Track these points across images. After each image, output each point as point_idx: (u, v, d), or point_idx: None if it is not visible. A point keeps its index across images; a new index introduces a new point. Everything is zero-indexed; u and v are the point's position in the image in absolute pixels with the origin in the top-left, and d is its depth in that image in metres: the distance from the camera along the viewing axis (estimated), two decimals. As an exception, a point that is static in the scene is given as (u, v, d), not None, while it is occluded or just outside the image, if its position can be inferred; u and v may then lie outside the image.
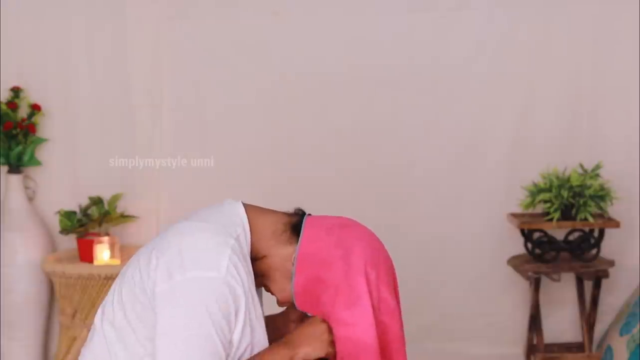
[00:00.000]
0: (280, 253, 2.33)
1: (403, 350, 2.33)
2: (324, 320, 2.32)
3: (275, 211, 2.40)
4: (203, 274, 2.16)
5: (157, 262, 2.21)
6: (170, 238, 2.25)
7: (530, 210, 4.69)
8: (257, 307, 2.26)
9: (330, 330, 2.30)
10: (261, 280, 2.35)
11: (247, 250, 2.28)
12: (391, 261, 2.38)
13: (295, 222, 2.36)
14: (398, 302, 2.37)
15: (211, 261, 2.18)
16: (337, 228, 2.35)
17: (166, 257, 2.21)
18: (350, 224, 2.38)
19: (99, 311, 2.35)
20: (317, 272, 2.29)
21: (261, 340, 2.27)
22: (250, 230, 2.31)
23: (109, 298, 2.33)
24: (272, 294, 2.39)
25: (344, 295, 2.28)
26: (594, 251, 4.64)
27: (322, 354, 2.30)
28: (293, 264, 2.31)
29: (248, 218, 2.32)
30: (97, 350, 2.31)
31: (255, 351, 2.26)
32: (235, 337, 2.21)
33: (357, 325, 2.27)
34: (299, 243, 2.32)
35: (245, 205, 2.35)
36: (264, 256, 2.33)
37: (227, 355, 2.20)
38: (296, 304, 2.34)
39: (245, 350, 2.23)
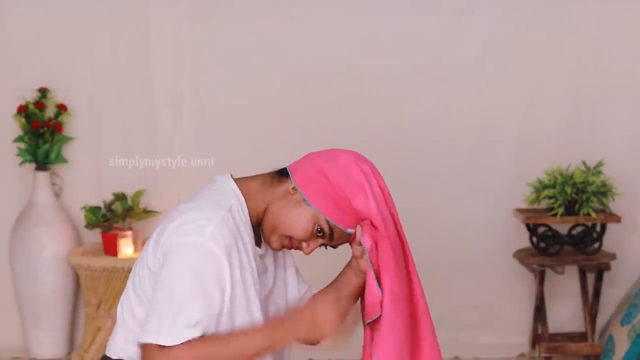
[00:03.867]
0: (276, 194, 2.37)
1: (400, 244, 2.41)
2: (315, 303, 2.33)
3: (260, 174, 2.44)
4: (188, 240, 2.24)
5: (155, 245, 2.32)
6: (164, 223, 2.34)
7: (535, 206, 4.73)
8: (247, 279, 2.31)
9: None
10: (277, 237, 2.37)
11: (245, 217, 2.34)
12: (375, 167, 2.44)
13: (279, 170, 2.41)
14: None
15: (196, 229, 2.25)
16: (316, 153, 2.43)
17: (162, 239, 2.30)
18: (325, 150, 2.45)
19: (119, 307, 2.43)
20: (321, 185, 2.33)
21: (243, 315, 2.32)
22: (245, 198, 2.36)
23: (126, 294, 2.40)
24: (293, 243, 2.38)
25: (348, 189, 2.33)
26: (596, 245, 4.68)
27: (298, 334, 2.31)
28: (297, 191, 2.34)
29: (239, 188, 2.37)
30: (121, 341, 2.40)
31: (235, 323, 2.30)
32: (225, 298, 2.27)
33: (369, 210, 2.35)
34: (290, 176, 2.37)
35: (235, 179, 2.40)
36: (265, 209, 2.37)
37: (220, 309, 2.26)
38: (333, 221, 2.34)
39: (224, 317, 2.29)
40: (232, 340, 2.28)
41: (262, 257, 2.42)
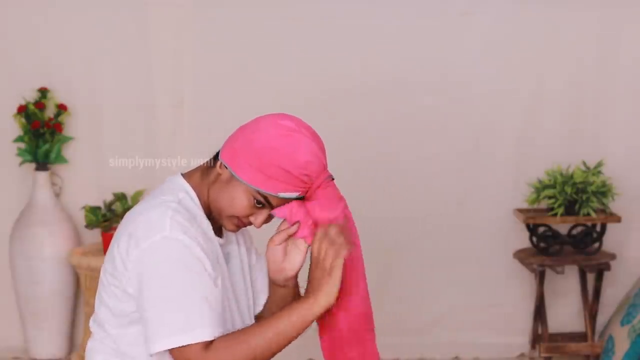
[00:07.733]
0: (211, 178, 2.35)
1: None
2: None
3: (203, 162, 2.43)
4: (152, 239, 2.24)
5: (117, 251, 2.31)
6: (119, 231, 2.35)
7: (535, 206, 4.75)
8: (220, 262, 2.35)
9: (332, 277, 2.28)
10: (226, 219, 2.36)
11: (198, 207, 2.34)
12: None
13: (216, 153, 2.38)
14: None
15: (155, 226, 2.25)
16: (243, 125, 2.37)
17: (120, 244, 2.30)
18: None
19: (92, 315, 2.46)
20: (246, 154, 2.29)
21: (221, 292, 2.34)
22: (194, 190, 2.36)
23: (96, 301, 2.42)
24: (241, 220, 2.36)
25: (274, 150, 2.27)
26: (596, 245, 4.70)
27: (332, 300, 2.27)
28: (226, 168, 2.31)
29: (187, 182, 2.37)
30: (96, 345, 2.41)
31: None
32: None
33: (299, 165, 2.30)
34: (219, 154, 2.34)
35: (184, 174, 2.40)
36: (209, 196, 2.36)
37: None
38: (263, 190, 2.29)
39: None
40: (270, 326, 2.29)
41: (222, 246, 2.42)
